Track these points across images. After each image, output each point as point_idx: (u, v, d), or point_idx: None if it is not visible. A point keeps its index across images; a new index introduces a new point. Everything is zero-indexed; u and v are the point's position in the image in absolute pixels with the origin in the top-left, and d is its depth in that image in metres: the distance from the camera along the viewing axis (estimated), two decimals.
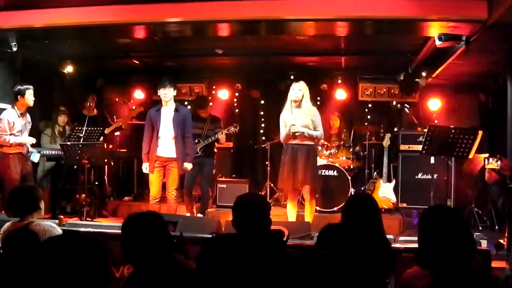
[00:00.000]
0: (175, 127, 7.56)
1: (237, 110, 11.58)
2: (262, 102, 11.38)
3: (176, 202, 7.69)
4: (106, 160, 8.30)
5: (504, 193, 4.81)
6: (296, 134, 7.09)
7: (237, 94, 11.31)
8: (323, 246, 3.04)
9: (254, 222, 3.46)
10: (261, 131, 11.32)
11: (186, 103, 11.23)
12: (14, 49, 7.46)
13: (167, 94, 7.52)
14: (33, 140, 7.82)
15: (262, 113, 11.49)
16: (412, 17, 6.15)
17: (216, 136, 8.29)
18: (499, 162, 4.96)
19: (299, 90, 7.15)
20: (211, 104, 8.94)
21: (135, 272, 3.04)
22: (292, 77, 9.74)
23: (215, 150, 8.93)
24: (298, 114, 7.14)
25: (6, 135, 7.45)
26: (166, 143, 7.58)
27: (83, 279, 2.13)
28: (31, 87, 7.62)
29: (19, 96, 7.56)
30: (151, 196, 7.67)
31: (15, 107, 7.60)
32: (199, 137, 8.38)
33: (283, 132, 7.23)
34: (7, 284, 3.09)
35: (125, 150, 9.94)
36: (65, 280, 2.05)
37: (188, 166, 7.62)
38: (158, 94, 7.66)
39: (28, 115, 7.81)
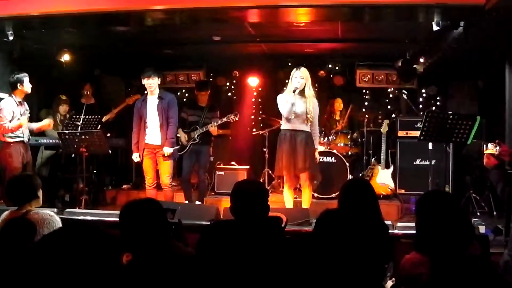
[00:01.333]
0: (160, 114, 7.72)
1: (235, 98, 11.60)
2: (260, 89, 11.37)
3: (171, 190, 7.78)
4: (104, 149, 8.27)
5: (503, 178, 4.81)
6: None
7: (235, 81, 11.30)
8: (322, 232, 3.04)
9: (252, 208, 3.46)
10: (259, 118, 11.30)
11: (183, 90, 11.26)
12: (10, 38, 7.40)
13: (151, 84, 7.71)
14: (25, 120, 7.78)
15: (260, 100, 11.49)
16: (410, 2, 6.11)
17: (208, 127, 8.31)
18: (498, 147, 4.95)
19: (301, 78, 7.07)
20: (209, 91, 8.89)
21: (134, 260, 3.05)
22: (289, 64, 9.73)
23: (212, 138, 8.92)
24: (300, 100, 7.09)
25: (5, 123, 7.45)
26: (153, 131, 7.75)
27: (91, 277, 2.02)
28: (27, 74, 7.64)
29: (18, 84, 7.57)
30: (147, 183, 7.84)
31: (13, 96, 7.60)
32: (196, 124, 8.39)
33: (285, 107, 7.05)
34: (4, 274, 3.09)
35: (123, 138, 9.90)
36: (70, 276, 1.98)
37: (167, 150, 7.65)
38: (143, 84, 7.78)
39: (25, 104, 7.80)
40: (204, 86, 8.85)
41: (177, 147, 7.95)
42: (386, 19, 7.21)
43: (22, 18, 6.94)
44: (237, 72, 10.98)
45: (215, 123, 8.34)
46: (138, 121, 7.83)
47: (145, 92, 8.07)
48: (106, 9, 6.64)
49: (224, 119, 8.39)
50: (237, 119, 8.58)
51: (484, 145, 5.04)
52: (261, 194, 3.56)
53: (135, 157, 7.79)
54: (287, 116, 7.11)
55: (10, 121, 7.49)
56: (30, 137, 7.89)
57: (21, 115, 7.65)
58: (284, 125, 7.26)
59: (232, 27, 8.07)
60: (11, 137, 7.53)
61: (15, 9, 6.73)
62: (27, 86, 7.63)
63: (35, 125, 7.79)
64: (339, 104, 10.26)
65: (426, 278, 2.64)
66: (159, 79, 7.87)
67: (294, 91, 7.00)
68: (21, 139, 7.66)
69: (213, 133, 8.52)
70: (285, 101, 7.06)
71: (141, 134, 7.77)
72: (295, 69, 7.18)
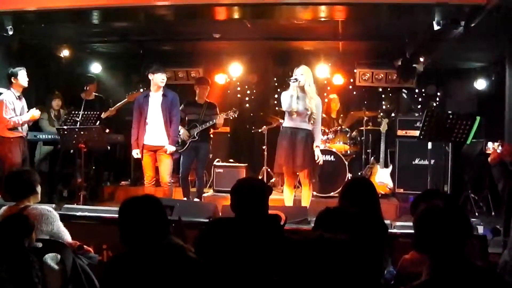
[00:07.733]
0: (163, 112, 7.56)
1: (233, 95, 11.54)
2: (260, 86, 11.34)
3: (169, 188, 7.67)
4: (103, 145, 8.23)
5: (504, 176, 4.81)
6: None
7: (234, 78, 11.25)
8: (321, 229, 3.04)
9: (253, 206, 3.45)
10: (258, 115, 11.27)
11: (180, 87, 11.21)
12: (10, 32, 7.40)
13: (165, 79, 7.58)
14: (38, 112, 7.85)
15: (259, 97, 11.46)
16: (411, 1, 6.11)
17: (214, 120, 8.26)
18: (500, 147, 4.94)
19: (301, 74, 7.01)
20: (209, 87, 8.82)
21: (132, 256, 3.02)
22: (289, 61, 9.72)
23: (211, 135, 8.90)
24: (301, 98, 7.01)
25: (14, 117, 7.46)
26: (154, 130, 7.58)
27: None
28: (23, 68, 7.63)
29: (12, 78, 7.56)
30: (146, 180, 7.73)
31: (12, 90, 7.59)
32: (195, 122, 8.36)
33: (286, 100, 6.98)
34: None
35: (122, 134, 9.87)
36: None
37: (170, 148, 7.57)
38: (155, 80, 7.55)
39: (23, 99, 7.79)
40: (206, 80, 8.81)
41: (179, 147, 7.96)
42: (386, 17, 7.20)
43: (22, 13, 6.93)
44: (236, 69, 10.92)
45: (222, 115, 8.32)
46: (138, 117, 7.65)
47: (144, 88, 7.98)
48: (106, 4, 6.63)
49: (224, 115, 8.36)
50: (236, 115, 8.56)
51: (485, 144, 5.04)
52: (263, 192, 3.56)
53: (135, 153, 7.69)
54: (287, 109, 7.06)
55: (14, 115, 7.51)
56: (28, 132, 7.88)
57: (20, 109, 7.64)
58: (286, 123, 7.22)
59: (232, 24, 8.05)
60: (11, 132, 7.52)
61: (15, 3, 6.71)
62: (22, 80, 7.60)
63: (26, 117, 7.70)
64: (335, 103, 10.23)
65: (425, 277, 2.63)
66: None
67: (292, 81, 6.95)
68: (21, 134, 7.65)
69: (219, 126, 8.51)
70: (286, 95, 7.04)
71: (140, 131, 7.63)
72: (295, 68, 7.15)
